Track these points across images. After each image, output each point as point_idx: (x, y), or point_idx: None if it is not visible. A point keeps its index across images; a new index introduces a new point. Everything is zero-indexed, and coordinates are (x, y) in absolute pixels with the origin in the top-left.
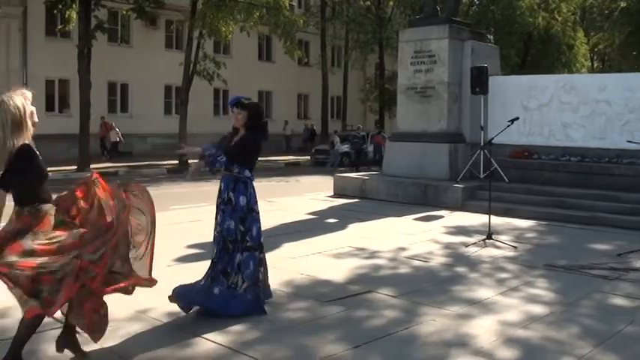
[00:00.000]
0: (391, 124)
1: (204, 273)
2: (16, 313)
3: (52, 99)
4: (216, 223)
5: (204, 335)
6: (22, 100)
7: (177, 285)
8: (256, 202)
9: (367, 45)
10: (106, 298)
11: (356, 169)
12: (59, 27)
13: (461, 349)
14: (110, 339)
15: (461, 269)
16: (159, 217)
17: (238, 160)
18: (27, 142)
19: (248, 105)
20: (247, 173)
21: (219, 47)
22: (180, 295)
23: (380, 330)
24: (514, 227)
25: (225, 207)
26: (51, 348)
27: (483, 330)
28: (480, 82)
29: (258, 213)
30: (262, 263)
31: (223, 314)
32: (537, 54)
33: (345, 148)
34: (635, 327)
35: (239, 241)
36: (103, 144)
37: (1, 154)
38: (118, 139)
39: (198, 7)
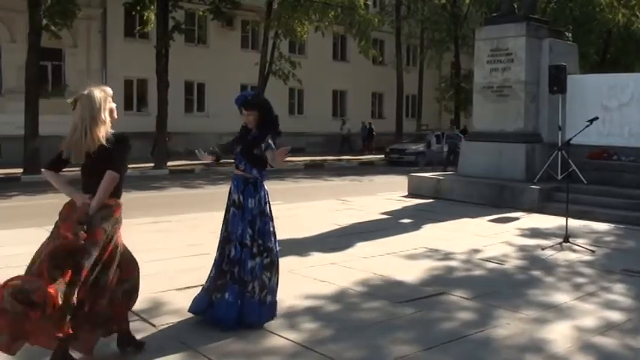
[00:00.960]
0: (467, 123)
1: (208, 278)
2: None
3: (131, 98)
4: (224, 226)
5: (277, 332)
6: (103, 95)
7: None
8: (267, 203)
9: (443, 43)
10: (182, 294)
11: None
12: (138, 28)
13: (535, 354)
14: (185, 333)
15: (536, 272)
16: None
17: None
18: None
19: (257, 103)
20: (255, 173)
21: (294, 47)
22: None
23: (453, 332)
24: (592, 230)
25: (235, 210)
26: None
27: (559, 335)
28: (558, 81)
29: (268, 216)
30: (270, 268)
31: (232, 324)
32: (617, 52)
33: (421, 147)
34: None
35: (249, 246)
36: None
37: (79, 146)
38: None
39: (274, 8)
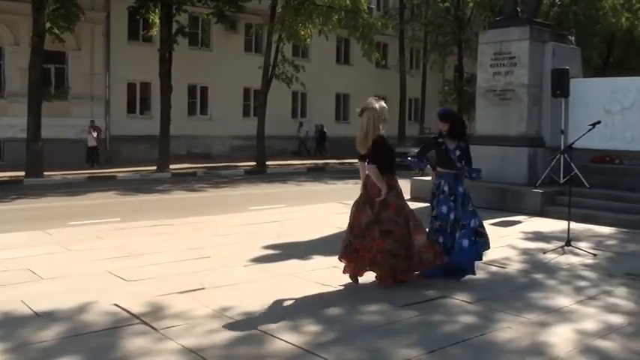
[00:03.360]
0: (470, 126)
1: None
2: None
3: (134, 101)
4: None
5: (279, 335)
6: (380, 107)
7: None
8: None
9: (446, 47)
10: (184, 298)
11: None
12: (142, 32)
13: (537, 358)
14: (187, 336)
15: (538, 276)
16: (237, 217)
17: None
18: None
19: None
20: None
21: (297, 50)
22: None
23: (455, 336)
24: (594, 234)
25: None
26: (130, 343)
27: (560, 339)
28: (560, 84)
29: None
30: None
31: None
32: (620, 56)
33: None
34: None
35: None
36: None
37: (364, 143)
38: (95, 144)
39: (278, 11)
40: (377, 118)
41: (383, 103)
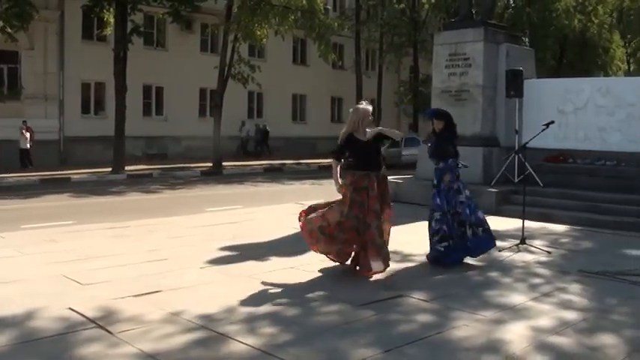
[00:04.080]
0: (425, 127)
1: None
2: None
3: (88, 101)
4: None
5: (236, 337)
6: (362, 108)
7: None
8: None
9: (402, 48)
10: (140, 301)
11: None
12: (97, 31)
13: (493, 355)
14: (143, 340)
15: (493, 274)
16: (193, 219)
17: None
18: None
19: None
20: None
21: (253, 51)
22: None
23: (411, 334)
24: (548, 232)
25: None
26: (85, 348)
27: (515, 335)
28: (515, 85)
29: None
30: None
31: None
32: (573, 57)
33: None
34: None
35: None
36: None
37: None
38: (28, 146)
39: (234, 11)
40: (358, 116)
41: (368, 106)
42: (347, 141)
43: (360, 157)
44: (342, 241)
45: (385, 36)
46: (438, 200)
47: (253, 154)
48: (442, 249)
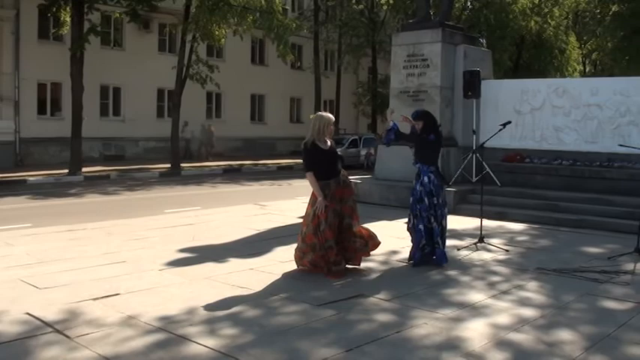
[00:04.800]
0: (383, 127)
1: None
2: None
3: (45, 102)
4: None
5: (197, 339)
6: (328, 115)
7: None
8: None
9: (360, 49)
10: (98, 304)
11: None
12: (53, 31)
13: (452, 353)
14: (102, 343)
15: (452, 273)
16: (151, 220)
17: None
18: (316, 141)
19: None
20: None
21: (212, 51)
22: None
23: (372, 334)
24: (506, 230)
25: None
26: (43, 352)
27: (475, 333)
28: (472, 85)
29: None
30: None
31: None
32: (530, 58)
33: (338, 152)
34: (626, 329)
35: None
36: None
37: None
38: None
39: (192, 11)
40: (322, 122)
41: (330, 115)
42: (313, 150)
43: (323, 167)
44: (326, 247)
45: (344, 37)
46: (418, 204)
47: (196, 155)
48: (429, 249)
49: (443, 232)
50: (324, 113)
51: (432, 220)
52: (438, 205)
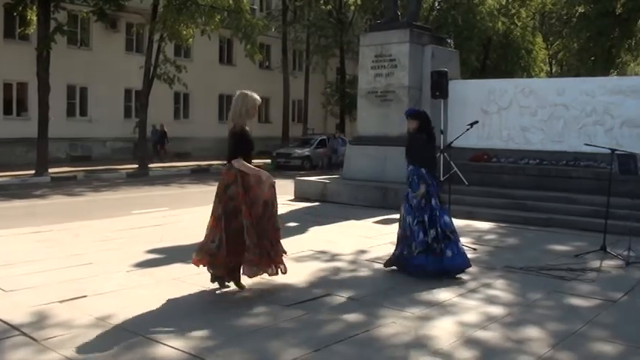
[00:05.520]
0: (352, 127)
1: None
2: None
3: (10, 102)
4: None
5: (165, 341)
6: (253, 96)
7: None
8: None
9: (328, 49)
10: (66, 306)
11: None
12: (19, 30)
13: (420, 351)
14: (69, 346)
15: None
16: (119, 222)
17: None
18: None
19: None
20: None
21: (179, 50)
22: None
23: (340, 333)
24: (474, 229)
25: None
26: (10, 355)
27: (443, 331)
28: (440, 86)
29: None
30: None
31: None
32: (497, 58)
33: (307, 152)
34: (592, 326)
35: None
36: None
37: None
38: None
39: (159, 11)
40: (247, 104)
41: (254, 95)
42: (246, 135)
43: (249, 155)
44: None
45: (312, 37)
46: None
47: (153, 155)
48: (425, 257)
49: (445, 234)
50: (248, 92)
51: (427, 223)
52: (436, 208)
